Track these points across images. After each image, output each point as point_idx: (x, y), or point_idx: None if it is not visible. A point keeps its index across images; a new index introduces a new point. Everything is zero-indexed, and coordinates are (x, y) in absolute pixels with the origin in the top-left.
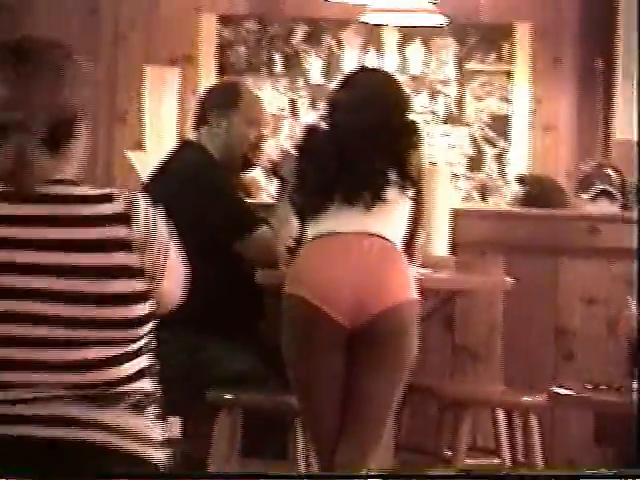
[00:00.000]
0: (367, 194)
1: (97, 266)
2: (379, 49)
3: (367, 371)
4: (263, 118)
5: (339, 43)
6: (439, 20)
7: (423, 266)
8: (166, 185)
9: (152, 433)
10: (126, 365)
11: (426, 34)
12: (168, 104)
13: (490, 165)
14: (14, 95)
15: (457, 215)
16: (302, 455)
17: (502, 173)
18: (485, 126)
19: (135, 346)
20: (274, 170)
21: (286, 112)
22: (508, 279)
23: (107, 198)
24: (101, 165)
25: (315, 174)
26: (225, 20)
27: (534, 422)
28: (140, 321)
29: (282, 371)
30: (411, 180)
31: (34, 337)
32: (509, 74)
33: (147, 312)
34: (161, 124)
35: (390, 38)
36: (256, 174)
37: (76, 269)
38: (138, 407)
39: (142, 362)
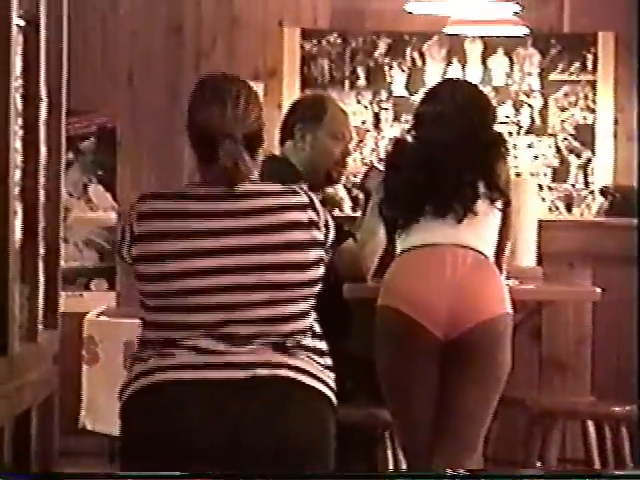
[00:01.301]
0: (457, 206)
1: (292, 242)
2: (462, 61)
3: (462, 384)
4: (349, 133)
5: (422, 55)
6: (522, 31)
7: (510, 277)
8: None
9: (325, 377)
10: (306, 319)
11: (509, 45)
12: None
13: (575, 175)
14: (223, 114)
15: (544, 226)
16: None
17: (587, 183)
18: (569, 136)
19: (309, 304)
20: (359, 184)
21: (369, 125)
22: (596, 290)
23: (293, 192)
24: (188, 176)
25: (404, 187)
26: (308, 34)
27: (624, 433)
28: (316, 282)
29: (369, 384)
30: (500, 192)
31: (244, 302)
32: (593, 84)
33: (320, 275)
34: None
35: (473, 49)
36: (340, 188)
37: (277, 246)
38: (313, 356)
39: (311, 320)
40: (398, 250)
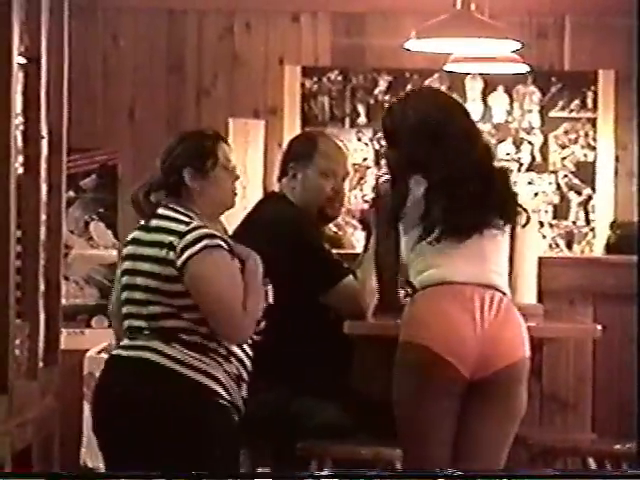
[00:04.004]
0: (474, 242)
1: None
2: (462, 98)
3: (483, 422)
4: (342, 170)
5: None
6: (522, 68)
7: None
8: (252, 237)
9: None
10: None
11: (509, 82)
12: (253, 156)
13: (576, 213)
14: None
15: (544, 263)
16: None
17: (588, 220)
18: (570, 173)
19: None
20: (360, 220)
21: (370, 163)
22: (597, 327)
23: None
24: None
25: (421, 221)
26: (309, 71)
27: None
28: None
29: (371, 421)
30: (513, 225)
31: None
32: (593, 121)
33: None
34: (246, 176)
35: (473, 86)
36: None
37: None
38: None
39: None
40: (417, 281)
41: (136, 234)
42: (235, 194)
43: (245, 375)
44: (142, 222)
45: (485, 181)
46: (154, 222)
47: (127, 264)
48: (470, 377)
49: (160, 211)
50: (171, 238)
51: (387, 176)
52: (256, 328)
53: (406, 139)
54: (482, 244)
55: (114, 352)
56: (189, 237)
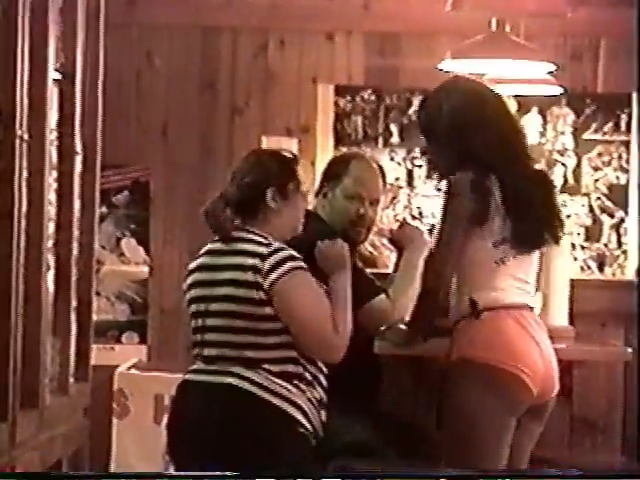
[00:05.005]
0: (525, 259)
1: None
2: None
3: (532, 440)
4: (369, 194)
5: None
6: (556, 90)
7: None
8: None
9: None
10: None
11: (543, 104)
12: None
13: (608, 235)
14: None
15: (576, 285)
16: None
17: (620, 243)
18: (602, 196)
19: None
20: (390, 239)
21: (403, 182)
22: (628, 349)
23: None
24: None
25: (501, 232)
26: (342, 91)
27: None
28: None
29: (400, 440)
30: (558, 243)
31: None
32: (626, 144)
33: None
34: None
35: None
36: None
37: None
38: None
39: None
40: (480, 299)
41: (204, 260)
42: (303, 217)
43: (325, 399)
44: (210, 246)
45: (542, 186)
46: (235, 245)
47: (196, 291)
48: (534, 399)
49: (237, 233)
50: (253, 260)
51: (462, 173)
52: None
53: (460, 131)
54: (531, 261)
55: (187, 377)
56: (274, 259)
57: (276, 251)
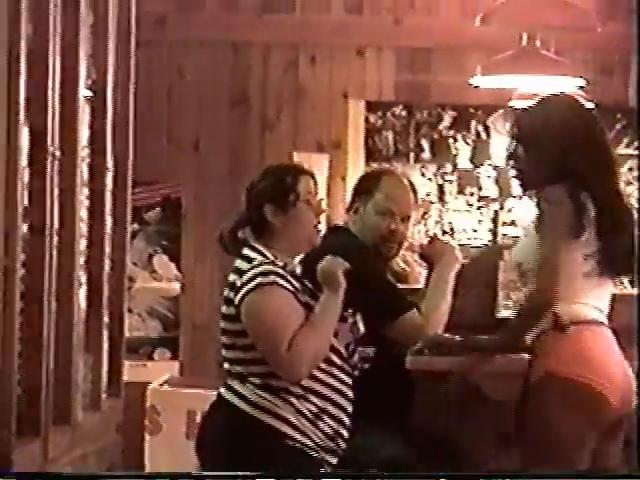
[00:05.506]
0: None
1: None
2: None
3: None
4: (400, 210)
5: (486, 128)
6: (587, 105)
7: None
8: (312, 272)
9: None
10: None
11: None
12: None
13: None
14: None
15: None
16: None
17: None
18: (634, 210)
19: None
20: (420, 255)
21: (434, 198)
22: None
23: None
24: None
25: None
26: (373, 106)
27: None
28: None
29: (431, 455)
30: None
31: None
32: None
33: None
34: None
35: None
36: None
37: None
38: None
39: None
40: (566, 313)
41: (229, 276)
42: (318, 230)
43: (334, 412)
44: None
45: (631, 217)
46: (235, 262)
47: (222, 308)
48: (616, 413)
49: (242, 250)
50: (235, 277)
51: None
52: (350, 362)
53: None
54: (609, 285)
55: (220, 389)
56: (246, 276)
57: (253, 267)
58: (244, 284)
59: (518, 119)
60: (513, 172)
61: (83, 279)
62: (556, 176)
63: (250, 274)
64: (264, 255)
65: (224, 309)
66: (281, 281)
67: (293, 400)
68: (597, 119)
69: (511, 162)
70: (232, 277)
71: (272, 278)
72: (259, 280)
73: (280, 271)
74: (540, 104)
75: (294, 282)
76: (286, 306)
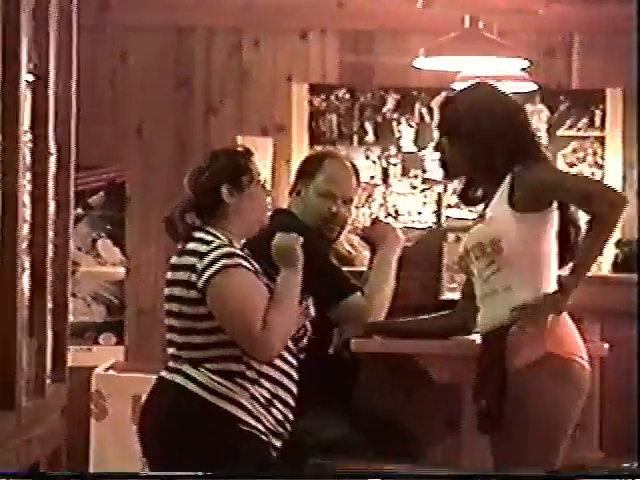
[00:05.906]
0: None
1: None
2: None
3: None
4: (341, 192)
5: (430, 111)
6: (530, 87)
7: None
8: (259, 251)
9: None
10: None
11: (518, 100)
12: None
13: (584, 230)
14: None
15: None
16: None
17: None
18: None
19: None
20: (362, 236)
21: (378, 180)
22: (604, 345)
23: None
24: None
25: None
26: (316, 89)
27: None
28: None
29: (377, 439)
30: None
31: None
32: (601, 140)
33: None
34: None
35: None
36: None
37: None
38: None
39: None
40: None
41: (173, 259)
42: (268, 210)
43: (284, 396)
44: (179, 246)
45: None
46: (187, 245)
47: (166, 290)
48: None
49: (194, 234)
50: (194, 260)
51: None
52: (299, 345)
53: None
54: None
55: (161, 373)
56: (208, 258)
57: (214, 249)
58: (207, 266)
59: (442, 111)
60: (438, 162)
61: (27, 264)
62: (513, 157)
63: (212, 256)
64: (219, 238)
65: (184, 292)
66: (245, 262)
67: (248, 385)
68: (517, 103)
69: (437, 153)
70: (190, 260)
71: (236, 260)
72: (224, 262)
73: (241, 253)
74: (461, 95)
75: (254, 263)
76: (253, 286)
